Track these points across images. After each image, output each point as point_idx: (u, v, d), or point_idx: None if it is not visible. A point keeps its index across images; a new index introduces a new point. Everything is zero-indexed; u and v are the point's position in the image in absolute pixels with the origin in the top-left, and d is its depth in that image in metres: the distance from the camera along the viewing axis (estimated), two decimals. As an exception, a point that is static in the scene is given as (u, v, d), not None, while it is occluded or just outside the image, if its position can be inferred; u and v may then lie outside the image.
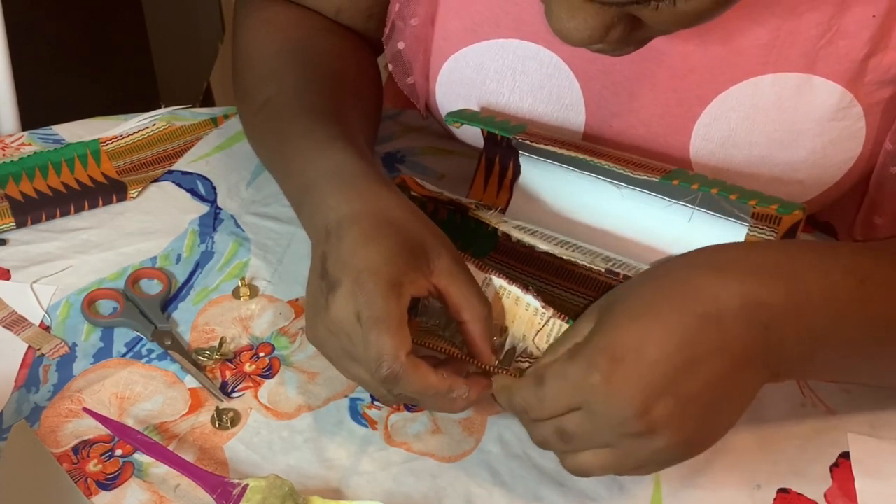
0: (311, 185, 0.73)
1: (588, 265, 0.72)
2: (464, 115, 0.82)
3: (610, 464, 0.63)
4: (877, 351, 0.67)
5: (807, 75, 0.76)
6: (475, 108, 0.85)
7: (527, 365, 0.68)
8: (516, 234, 0.75)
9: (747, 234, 0.73)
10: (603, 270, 0.72)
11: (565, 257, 0.73)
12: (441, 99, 0.87)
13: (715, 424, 0.63)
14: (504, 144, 0.82)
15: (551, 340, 0.68)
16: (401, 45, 0.85)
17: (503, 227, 0.75)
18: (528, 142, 0.78)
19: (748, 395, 0.64)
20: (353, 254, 0.66)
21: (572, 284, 0.78)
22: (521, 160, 0.82)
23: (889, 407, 0.75)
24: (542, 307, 0.69)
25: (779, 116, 0.77)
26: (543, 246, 0.73)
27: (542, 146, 0.78)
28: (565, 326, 0.68)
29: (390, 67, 0.87)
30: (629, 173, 0.75)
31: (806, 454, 0.72)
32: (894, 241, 0.76)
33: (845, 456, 0.72)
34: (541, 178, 0.82)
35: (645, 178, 0.74)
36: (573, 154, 0.76)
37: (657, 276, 0.64)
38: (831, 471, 0.71)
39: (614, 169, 0.75)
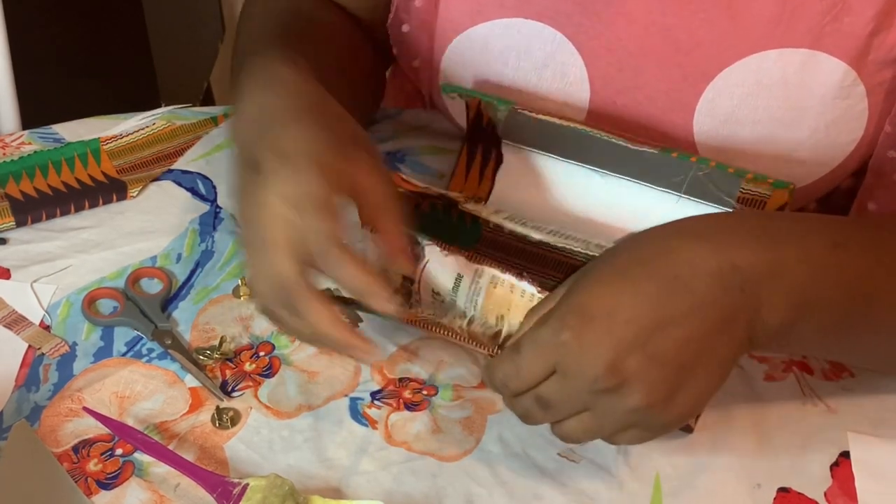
0: (247, 70, 0.71)
1: (583, 251, 0.72)
2: (460, 87, 0.82)
3: (592, 427, 0.64)
4: (855, 322, 0.67)
5: (812, 51, 0.76)
6: (479, 88, 0.85)
7: None
8: (508, 226, 0.74)
9: None
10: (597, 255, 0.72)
11: (559, 245, 0.72)
12: (445, 79, 0.87)
13: (690, 388, 0.63)
14: (489, 132, 0.82)
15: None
16: (405, 28, 0.85)
17: (494, 219, 0.75)
18: (526, 112, 0.78)
19: (726, 361, 0.64)
20: (282, 138, 0.65)
21: (562, 275, 0.77)
22: (504, 149, 0.81)
23: (890, 406, 0.75)
24: (539, 292, 0.69)
25: (783, 93, 0.77)
26: (537, 235, 0.73)
27: (540, 117, 0.77)
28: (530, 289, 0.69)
29: (395, 51, 0.87)
30: (628, 144, 0.75)
31: (806, 453, 0.72)
32: (870, 216, 0.77)
33: (846, 455, 0.72)
34: (523, 167, 0.81)
35: (645, 149, 0.74)
36: (572, 125, 0.76)
37: (631, 245, 0.65)
38: (831, 470, 0.71)
39: (613, 140, 0.75)
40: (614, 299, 0.61)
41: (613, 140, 0.75)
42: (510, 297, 0.70)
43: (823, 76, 0.76)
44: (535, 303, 0.69)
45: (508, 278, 0.70)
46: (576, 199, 0.80)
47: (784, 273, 0.63)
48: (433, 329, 0.72)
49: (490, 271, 0.70)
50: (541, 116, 0.78)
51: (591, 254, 0.72)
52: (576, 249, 0.72)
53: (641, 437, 0.65)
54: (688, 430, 0.72)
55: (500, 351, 0.68)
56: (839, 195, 0.86)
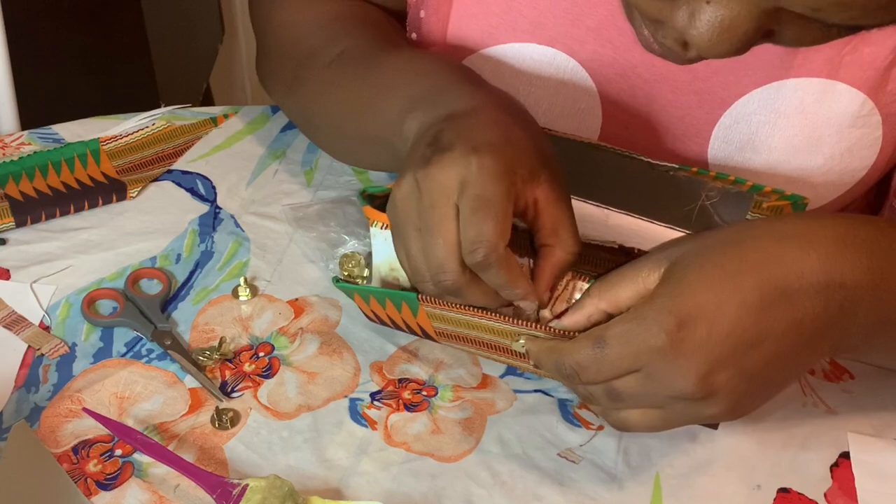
0: (431, 88, 0.70)
1: (598, 242, 0.71)
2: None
3: (656, 424, 0.63)
4: None
5: (830, 81, 0.75)
6: None
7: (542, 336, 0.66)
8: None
9: None
10: (616, 247, 0.71)
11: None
12: None
13: (764, 394, 0.63)
14: None
15: (572, 303, 0.67)
16: (414, 37, 0.85)
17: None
18: (546, 130, 0.77)
19: (805, 369, 0.64)
20: (477, 129, 0.63)
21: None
22: None
23: (889, 407, 0.75)
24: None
25: (800, 121, 0.77)
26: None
27: (557, 134, 0.77)
28: (586, 286, 0.68)
29: (413, 36, 0.87)
30: (649, 160, 0.74)
31: (806, 454, 0.72)
32: None
33: (845, 456, 0.72)
34: None
35: (664, 164, 0.74)
36: (590, 141, 0.76)
37: (736, 241, 0.61)
38: (831, 471, 0.71)
39: (634, 156, 0.74)
40: (718, 308, 0.58)
41: (628, 154, 0.74)
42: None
43: (841, 106, 0.75)
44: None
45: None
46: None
47: (880, 292, 0.61)
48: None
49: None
50: (553, 131, 0.77)
51: (608, 244, 0.71)
52: (593, 240, 0.71)
53: (686, 424, 0.65)
54: (713, 426, 0.72)
55: (546, 329, 0.65)
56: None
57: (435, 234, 0.63)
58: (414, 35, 0.85)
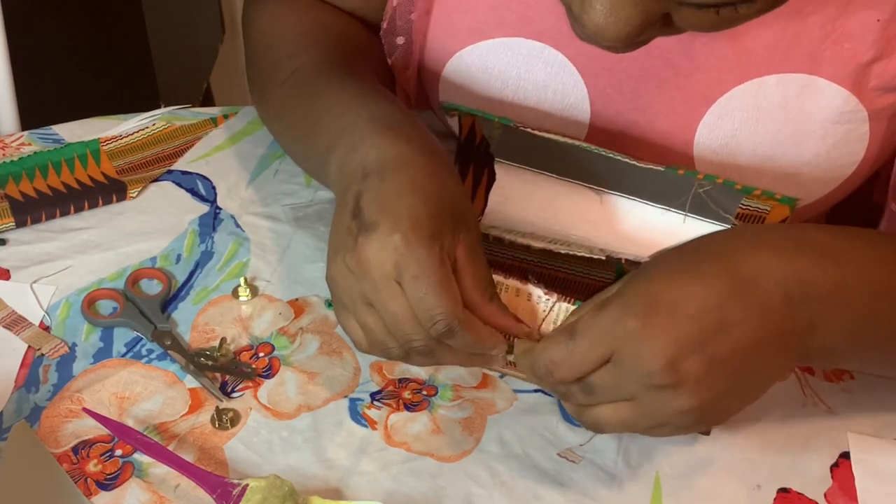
0: (350, 127, 0.70)
1: (587, 255, 0.71)
2: (459, 105, 0.81)
3: (628, 419, 0.63)
4: None
5: (811, 76, 0.76)
6: (478, 107, 0.85)
7: None
8: (508, 237, 0.74)
9: None
10: (604, 258, 0.71)
11: (562, 251, 0.72)
12: (445, 97, 0.87)
13: (737, 394, 0.63)
14: (481, 151, 0.82)
15: (558, 324, 0.68)
16: (400, 41, 0.85)
17: (493, 232, 0.75)
18: (528, 129, 0.76)
19: (776, 371, 0.63)
20: (396, 198, 0.64)
21: (558, 263, 0.76)
22: (497, 168, 0.81)
23: (889, 407, 0.75)
24: (545, 293, 0.69)
25: (783, 117, 0.77)
26: (539, 245, 0.73)
27: (540, 133, 0.77)
28: (572, 308, 0.68)
29: (390, 61, 0.87)
30: (635, 162, 0.74)
31: (806, 454, 0.72)
32: None
33: (845, 456, 0.72)
34: (517, 185, 0.81)
35: (650, 167, 0.74)
36: (575, 142, 0.75)
37: (700, 243, 0.64)
38: (831, 471, 0.71)
39: (619, 158, 0.74)
40: (683, 290, 0.60)
41: (614, 156, 0.74)
42: (516, 301, 0.70)
43: (824, 101, 0.76)
44: (541, 305, 0.69)
45: (512, 283, 0.70)
46: (572, 218, 0.79)
47: (844, 293, 0.62)
48: None
49: (493, 277, 0.70)
50: (540, 133, 0.77)
51: (595, 256, 0.71)
52: (580, 254, 0.71)
53: (668, 434, 0.64)
54: (706, 432, 0.72)
55: (516, 341, 0.67)
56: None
57: (392, 310, 0.64)
58: (400, 39, 0.85)
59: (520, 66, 0.82)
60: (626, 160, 0.74)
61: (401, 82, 0.89)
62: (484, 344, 0.65)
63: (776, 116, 0.77)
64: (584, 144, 0.76)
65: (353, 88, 0.76)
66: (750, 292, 0.60)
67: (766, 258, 0.61)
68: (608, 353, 0.60)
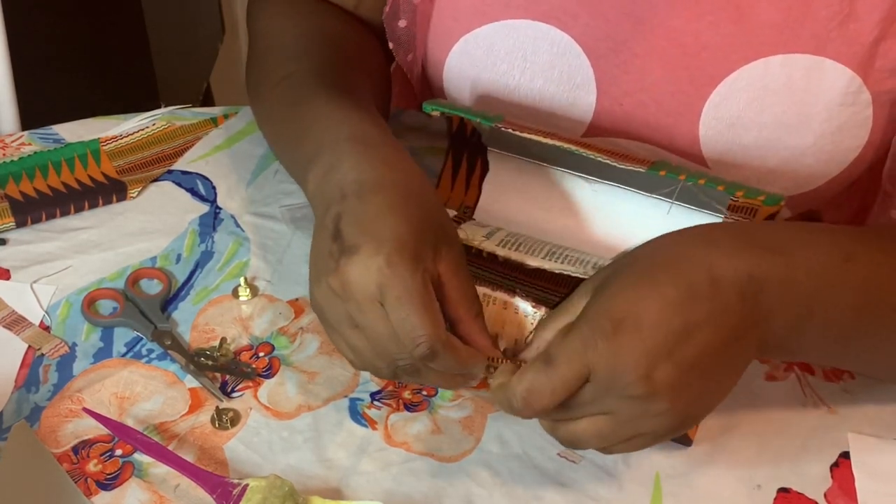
0: (330, 145, 0.71)
1: (581, 276, 0.71)
2: (441, 104, 0.80)
3: (606, 432, 0.63)
4: (865, 333, 0.67)
5: (817, 57, 0.76)
6: (485, 90, 0.84)
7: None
8: (502, 253, 0.74)
9: None
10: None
11: (556, 271, 0.72)
12: (450, 81, 0.87)
13: (709, 395, 0.64)
14: (473, 141, 0.82)
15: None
16: (402, 23, 0.85)
17: (487, 247, 0.74)
18: (510, 130, 0.75)
19: (739, 368, 0.64)
20: (375, 220, 0.64)
21: (560, 287, 0.76)
22: (490, 157, 0.81)
23: (889, 407, 0.75)
24: (534, 307, 0.69)
25: (788, 98, 0.77)
26: (533, 263, 0.73)
27: (524, 135, 0.75)
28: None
29: (391, 46, 0.87)
30: (615, 164, 0.73)
31: (806, 454, 0.72)
32: (881, 227, 0.77)
33: (845, 456, 0.72)
34: (510, 174, 0.81)
35: (632, 168, 0.73)
36: (557, 143, 0.74)
37: (648, 251, 0.65)
38: (831, 470, 0.71)
39: (600, 159, 0.73)
40: (640, 304, 0.60)
41: (597, 158, 0.73)
42: (503, 314, 0.70)
43: (829, 82, 0.76)
44: (529, 319, 0.69)
45: (500, 295, 0.70)
46: (565, 207, 0.79)
47: (793, 284, 0.63)
48: None
49: (481, 290, 0.70)
50: (524, 134, 0.75)
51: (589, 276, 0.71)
52: (574, 274, 0.71)
53: (644, 444, 0.65)
54: (687, 442, 0.72)
55: (502, 362, 0.67)
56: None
57: (378, 331, 0.64)
58: (402, 22, 0.84)
59: (525, 48, 0.82)
60: (610, 161, 0.74)
61: (403, 67, 0.89)
62: (467, 364, 0.66)
63: (782, 97, 0.77)
64: (568, 146, 0.74)
65: (336, 103, 0.76)
66: (707, 295, 0.61)
67: (717, 259, 0.62)
68: (587, 373, 0.61)
